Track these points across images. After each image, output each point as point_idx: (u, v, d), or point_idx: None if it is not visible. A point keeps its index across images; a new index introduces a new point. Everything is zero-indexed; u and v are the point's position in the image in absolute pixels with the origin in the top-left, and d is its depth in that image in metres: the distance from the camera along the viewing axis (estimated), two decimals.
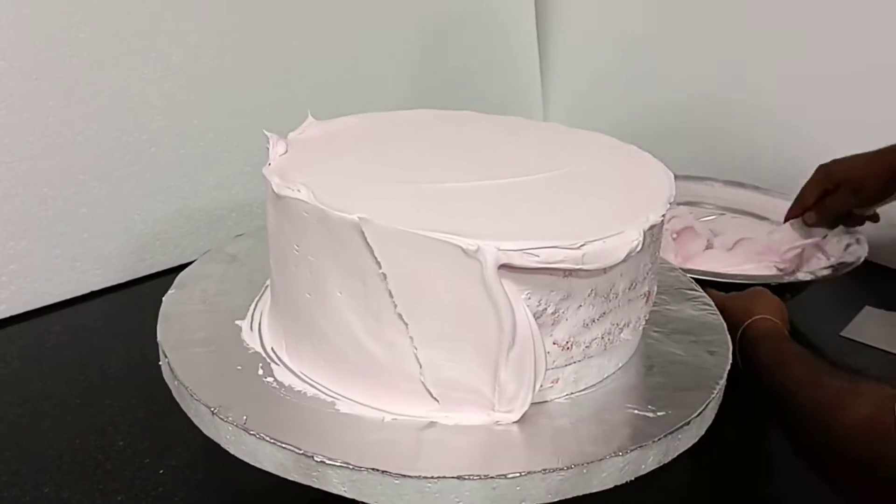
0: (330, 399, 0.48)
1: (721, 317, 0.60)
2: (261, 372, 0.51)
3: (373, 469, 0.41)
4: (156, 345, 0.54)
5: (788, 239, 0.88)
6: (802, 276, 0.79)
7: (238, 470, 0.60)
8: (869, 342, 0.81)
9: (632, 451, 0.44)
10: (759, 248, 0.88)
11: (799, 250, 0.86)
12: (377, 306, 0.45)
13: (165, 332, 0.55)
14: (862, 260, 0.79)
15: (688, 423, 0.47)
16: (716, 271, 0.78)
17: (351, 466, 0.41)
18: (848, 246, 0.81)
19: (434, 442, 0.45)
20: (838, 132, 0.98)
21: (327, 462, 0.42)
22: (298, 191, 0.47)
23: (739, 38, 1.03)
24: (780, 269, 0.85)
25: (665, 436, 0.45)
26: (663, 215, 0.50)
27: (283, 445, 0.43)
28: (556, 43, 1.24)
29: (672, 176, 0.55)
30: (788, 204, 0.90)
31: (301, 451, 0.43)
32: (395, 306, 0.44)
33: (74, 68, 0.79)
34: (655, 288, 0.55)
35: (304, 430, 0.45)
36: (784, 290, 0.81)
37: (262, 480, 0.59)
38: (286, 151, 0.54)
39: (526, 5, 1.21)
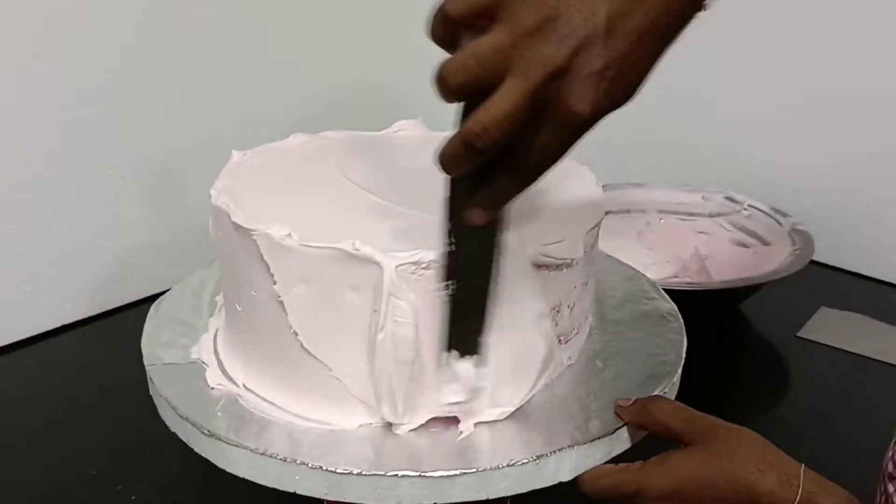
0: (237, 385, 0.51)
1: None
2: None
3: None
4: (128, 375, 0.55)
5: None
6: (752, 279, 0.81)
7: (210, 496, 0.62)
8: (826, 342, 0.83)
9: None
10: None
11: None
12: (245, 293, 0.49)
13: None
14: (807, 262, 0.81)
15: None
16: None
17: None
18: (794, 250, 0.83)
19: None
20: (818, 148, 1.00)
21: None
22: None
23: (727, 47, 1.05)
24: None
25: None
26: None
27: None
28: None
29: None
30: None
31: (173, 407, 0.48)
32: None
33: (39, 106, 0.80)
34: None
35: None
36: (735, 294, 0.84)
37: None
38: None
39: None
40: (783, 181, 1.00)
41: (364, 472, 0.42)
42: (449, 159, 0.37)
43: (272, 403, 0.48)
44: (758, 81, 1.02)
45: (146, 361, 0.53)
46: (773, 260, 0.84)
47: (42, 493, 0.63)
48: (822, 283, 0.94)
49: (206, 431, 0.46)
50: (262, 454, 0.44)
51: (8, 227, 0.80)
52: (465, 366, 0.45)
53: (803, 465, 0.43)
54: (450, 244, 0.41)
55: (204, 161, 0.91)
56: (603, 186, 0.86)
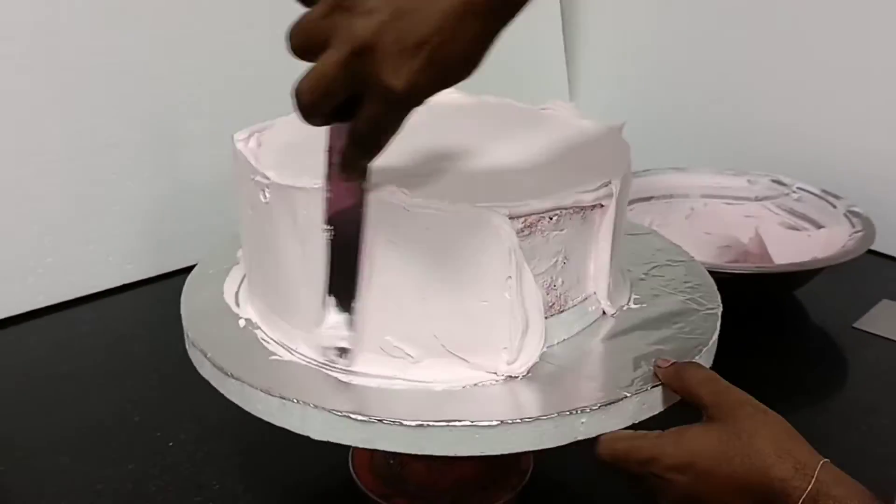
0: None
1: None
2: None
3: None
4: (178, 333, 0.57)
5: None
6: (813, 263, 0.79)
7: (243, 447, 0.65)
8: (884, 334, 0.79)
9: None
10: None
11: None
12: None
13: None
14: (870, 244, 0.78)
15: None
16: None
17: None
18: (855, 233, 0.80)
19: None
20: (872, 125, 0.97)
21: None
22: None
23: (771, 28, 1.03)
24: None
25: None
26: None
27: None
28: (583, 31, 1.25)
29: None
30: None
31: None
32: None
33: (101, 75, 0.84)
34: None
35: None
36: (794, 279, 0.81)
37: (264, 455, 0.63)
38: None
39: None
40: (837, 167, 0.97)
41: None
42: (298, 113, 0.39)
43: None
44: (808, 58, 0.99)
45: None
46: (833, 243, 0.81)
47: (87, 436, 0.66)
48: (883, 274, 0.90)
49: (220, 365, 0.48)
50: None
51: (75, 189, 0.85)
52: (336, 319, 0.46)
53: (826, 460, 0.42)
54: (328, 192, 0.43)
55: None
56: (645, 171, 0.86)
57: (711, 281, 0.57)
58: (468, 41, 0.37)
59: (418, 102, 0.37)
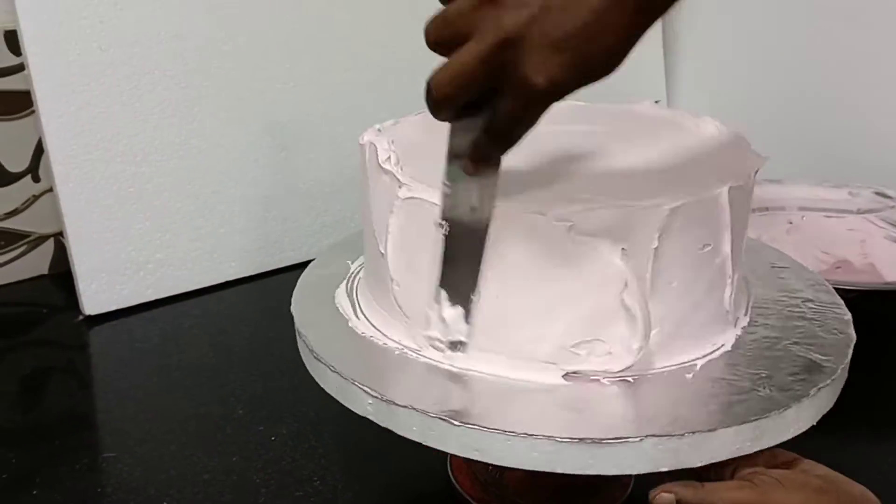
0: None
1: None
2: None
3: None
4: (278, 330, 0.58)
5: None
6: None
7: (342, 444, 0.66)
8: None
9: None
10: None
11: None
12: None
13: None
14: None
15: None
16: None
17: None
18: None
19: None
20: None
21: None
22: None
23: (874, 32, 0.99)
24: None
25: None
26: None
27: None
28: (682, 33, 1.23)
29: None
30: None
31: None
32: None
33: (218, 78, 0.87)
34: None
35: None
36: None
37: (363, 453, 0.64)
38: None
39: None
40: None
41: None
42: (428, 106, 0.39)
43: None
44: None
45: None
46: None
47: (195, 426, 0.68)
48: None
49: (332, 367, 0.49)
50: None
51: (184, 188, 0.88)
52: (450, 313, 0.46)
53: None
54: (447, 186, 0.44)
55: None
56: None
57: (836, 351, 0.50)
58: (614, 39, 0.36)
59: (558, 98, 0.38)
